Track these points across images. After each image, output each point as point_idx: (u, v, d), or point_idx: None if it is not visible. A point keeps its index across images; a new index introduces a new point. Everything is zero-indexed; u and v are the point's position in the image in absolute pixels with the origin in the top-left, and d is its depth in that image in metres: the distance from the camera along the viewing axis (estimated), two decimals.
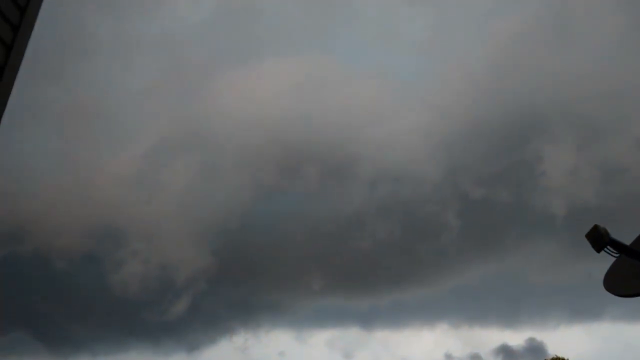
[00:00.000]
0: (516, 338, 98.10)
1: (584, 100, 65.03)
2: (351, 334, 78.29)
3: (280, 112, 69.15)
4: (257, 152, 65.78)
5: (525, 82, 68.77)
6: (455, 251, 64.06)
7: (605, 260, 5.06)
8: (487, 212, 64.78)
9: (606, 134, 63.14)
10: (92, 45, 68.27)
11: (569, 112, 64.74)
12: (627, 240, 4.93)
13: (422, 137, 67.90)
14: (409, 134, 67.52)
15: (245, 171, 65.55)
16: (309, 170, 65.33)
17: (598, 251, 4.68)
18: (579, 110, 64.31)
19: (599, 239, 4.65)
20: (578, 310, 68.15)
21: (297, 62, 71.37)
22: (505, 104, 67.28)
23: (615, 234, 4.79)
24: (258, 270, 64.49)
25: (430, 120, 68.06)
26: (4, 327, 54.79)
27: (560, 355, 45.27)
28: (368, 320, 77.05)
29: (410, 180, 65.37)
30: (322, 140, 66.97)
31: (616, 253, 4.76)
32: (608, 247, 4.70)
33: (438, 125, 67.83)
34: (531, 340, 65.73)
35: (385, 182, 65.48)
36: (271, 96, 69.13)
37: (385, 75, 79.17)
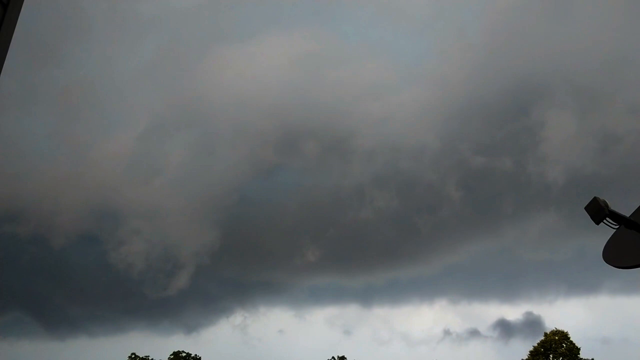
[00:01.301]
0: (514, 313, 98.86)
1: (583, 70, 64.57)
2: (350, 312, 78.97)
3: (278, 88, 68.65)
4: (254, 129, 65.48)
5: (524, 54, 68.16)
6: (454, 225, 64.25)
7: (603, 234, 5.05)
8: (486, 183, 64.76)
9: (605, 103, 62.91)
10: (87, 25, 67.33)
11: (567, 82, 64.27)
12: (625, 210, 4.91)
13: (422, 110, 67.53)
14: (408, 107, 67.14)
15: (243, 148, 65.32)
16: (307, 145, 65.07)
17: (597, 223, 4.67)
18: (578, 80, 63.89)
19: (598, 211, 4.64)
20: (575, 284, 68.69)
21: (295, 39, 70.61)
22: (505, 75, 66.76)
23: (614, 205, 4.78)
24: (256, 249, 64.82)
25: (431, 93, 67.64)
26: (2, 307, 55.31)
27: (559, 328, 45.76)
28: (367, 297, 77.66)
29: (409, 152, 65.16)
30: (320, 116, 66.62)
31: (615, 225, 4.75)
32: (607, 218, 4.69)
33: (438, 98, 67.45)
34: (528, 314, 66.49)
35: (384, 155, 65.30)
36: (269, 72, 68.52)
37: (385, 50, 78.42)
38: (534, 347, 45.21)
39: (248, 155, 62.69)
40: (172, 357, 52.60)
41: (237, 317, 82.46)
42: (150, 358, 52.33)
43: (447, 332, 65.59)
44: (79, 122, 67.79)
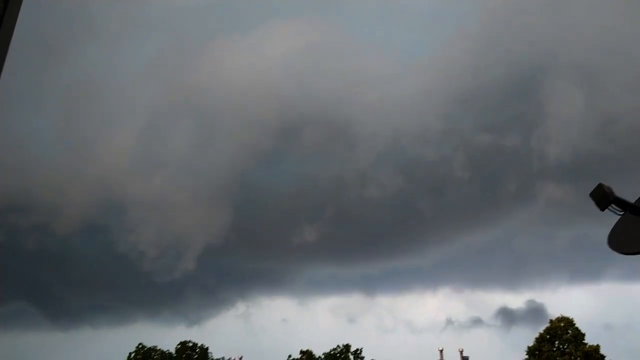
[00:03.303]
0: (516, 301, 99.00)
1: (586, 50, 64.06)
2: (354, 300, 79.25)
3: (279, 77, 68.40)
4: (256, 118, 65.35)
5: (525, 37, 67.63)
6: (457, 211, 64.12)
7: (606, 221, 5.02)
8: (490, 164, 64.53)
9: (609, 83, 62.42)
10: (92, 21, 67.21)
11: (570, 62, 63.79)
12: (630, 193, 4.89)
13: (425, 96, 67.26)
14: (412, 94, 66.86)
15: (244, 137, 65.23)
16: (308, 133, 64.94)
17: (602, 210, 4.65)
18: (581, 60, 63.39)
19: (603, 197, 4.62)
20: (578, 272, 68.70)
21: (296, 29, 70.28)
22: (506, 59, 66.31)
23: (618, 188, 4.76)
24: (257, 238, 64.91)
25: (432, 80, 67.31)
26: (6, 296, 55.69)
27: (564, 315, 45.76)
28: (370, 286, 77.87)
29: (412, 137, 64.92)
30: (320, 104, 66.40)
31: (620, 211, 4.73)
32: (612, 205, 4.67)
33: (441, 85, 67.11)
34: (531, 302, 66.64)
35: (386, 140, 65.08)
36: (270, 63, 68.28)
37: (385, 39, 78.00)
38: (540, 333, 45.33)
39: (249, 145, 62.70)
40: (179, 346, 53.00)
41: (240, 308, 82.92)
42: (158, 348, 52.77)
43: (449, 321, 65.77)
44: (83, 117, 67.90)
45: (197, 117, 69.97)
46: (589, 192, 4.74)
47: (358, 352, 51.06)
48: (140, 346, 52.33)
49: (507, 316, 64.25)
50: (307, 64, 69.05)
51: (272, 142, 64.72)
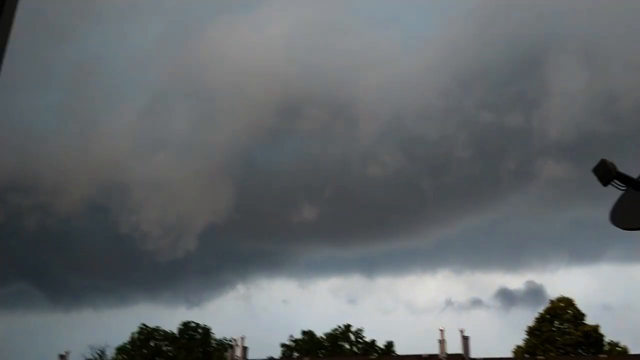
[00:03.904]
0: (516, 282, 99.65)
1: (587, 30, 63.51)
2: (354, 282, 79.68)
3: (281, 56, 67.99)
4: (257, 97, 65.11)
5: (527, 15, 67.00)
6: (459, 190, 64.14)
7: (607, 201, 4.99)
8: (491, 143, 64.41)
9: (611, 62, 61.95)
10: (97, 4, 66.67)
11: (574, 38, 63.27)
12: (632, 173, 4.85)
13: (427, 75, 66.86)
14: (414, 73, 66.47)
15: (246, 116, 65.08)
16: (311, 112, 64.73)
17: (605, 185, 4.62)
18: (584, 36, 62.86)
19: (606, 172, 4.59)
20: (578, 253, 68.86)
21: (298, 7, 69.70)
22: (509, 37, 65.78)
23: (621, 165, 4.72)
24: (260, 218, 65.01)
25: (435, 58, 66.84)
26: (8, 277, 56.07)
27: (563, 295, 46.09)
28: (370, 268, 78.14)
29: (414, 116, 64.73)
30: (323, 83, 66.07)
31: (623, 186, 4.70)
32: (615, 180, 4.63)
33: (443, 63, 66.66)
34: (530, 283, 66.98)
35: (388, 118, 64.90)
36: (272, 42, 67.82)
37: (387, 18, 77.30)
38: (540, 313, 45.68)
39: (250, 124, 62.48)
40: (181, 327, 53.52)
41: (240, 290, 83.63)
42: (160, 329, 53.31)
43: (449, 302, 66.30)
44: (85, 97, 67.63)
45: (198, 97, 69.72)
46: (591, 170, 4.72)
47: (359, 332, 51.60)
48: (142, 326, 52.88)
49: (507, 297, 64.74)
50: (308, 42, 68.51)
51: (273, 121, 64.48)
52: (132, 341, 52.27)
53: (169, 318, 74.93)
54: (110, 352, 51.44)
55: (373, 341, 51.32)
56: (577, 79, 59.83)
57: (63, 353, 39.60)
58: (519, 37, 64.05)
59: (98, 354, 50.80)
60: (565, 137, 58.61)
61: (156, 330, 53.22)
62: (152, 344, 52.89)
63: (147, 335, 52.85)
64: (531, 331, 45.29)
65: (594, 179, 4.74)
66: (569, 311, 45.11)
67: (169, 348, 52.97)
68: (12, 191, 54.05)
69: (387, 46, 67.37)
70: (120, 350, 51.71)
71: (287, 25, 67.65)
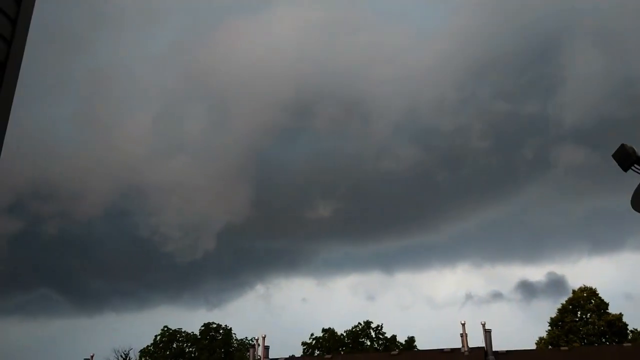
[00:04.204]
0: (537, 274, 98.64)
1: (602, 15, 62.58)
2: (373, 278, 79.53)
3: (293, 55, 68.03)
4: (270, 95, 65.21)
5: (541, 2, 66.19)
6: (475, 182, 63.61)
7: (627, 188, 4.97)
8: (507, 132, 63.67)
9: (627, 47, 60.98)
10: (107, 10, 67.26)
11: (590, 24, 62.34)
12: None
13: (440, 67, 66.39)
14: (427, 65, 66.02)
15: (259, 116, 65.20)
16: (324, 109, 64.64)
17: (625, 170, 4.61)
18: (600, 22, 61.94)
19: (626, 157, 4.58)
20: (599, 242, 67.95)
21: (309, 5, 69.66)
22: (522, 25, 65.06)
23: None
24: (277, 217, 65.14)
25: (448, 49, 66.33)
26: (31, 283, 56.88)
27: (585, 285, 45.56)
28: (388, 263, 78.01)
29: (428, 108, 64.32)
30: (335, 80, 65.96)
31: None
32: (635, 165, 4.62)
33: (456, 54, 66.14)
34: (551, 274, 66.23)
35: (404, 114, 64.58)
36: (284, 40, 67.87)
37: (398, 13, 76.94)
38: (562, 304, 45.23)
39: (265, 124, 62.66)
40: (202, 328, 53.91)
41: (259, 290, 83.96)
42: (182, 330, 53.74)
43: (469, 296, 65.86)
44: (101, 104, 68.44)
45: (213, 99, 70.15)
46: (611, 155, 4.71)
47: (379, 328, 51.52)
48: (165, 328, 53.35)
49: (528, 289, 64.15)
50: (319, 41, 68.57)
51: (286, 121, 64.71)
52: (155, 343, 52.78)
53: (190, 319, 75.64)
54: (134, 355, 52.05)
55: (394, 337, 51.24)
56: (593, 64, 59.05)
57: (88, 358, 40.11)
58: (533, 24, 63.44)
59: (122, 357, 51.42)
60: (582, 123, 57.94)
61: (178, 332, 53.67)
62: (174, 345, 53.35)
63: (169, 337, 53.32)
64: (554, 322, 44.86)
65: (613, 165, 4.73)
66: (591, 301, 44.59)
67: (192, 349, 53.37)
68: (32, 199, 54.92)
69: (398, 40, 67.18)
70: (144, 352, 52.24)
71: (297, 25, 67.77)
